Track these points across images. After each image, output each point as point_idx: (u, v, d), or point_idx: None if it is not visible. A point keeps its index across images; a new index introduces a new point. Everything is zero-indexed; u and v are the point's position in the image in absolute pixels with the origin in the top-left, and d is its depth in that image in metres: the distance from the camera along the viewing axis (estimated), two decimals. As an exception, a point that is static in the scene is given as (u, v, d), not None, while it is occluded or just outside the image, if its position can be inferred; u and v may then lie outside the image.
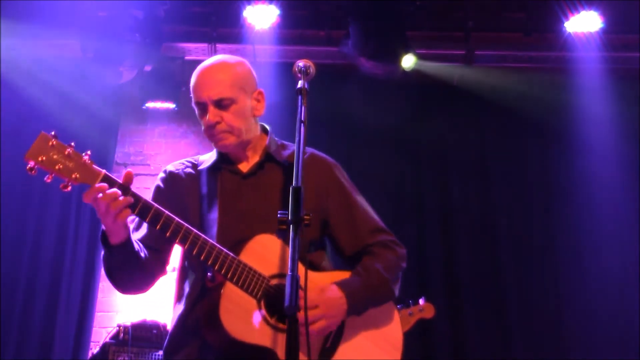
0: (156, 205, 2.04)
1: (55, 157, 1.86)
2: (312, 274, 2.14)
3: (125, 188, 1.99)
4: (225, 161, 2.31)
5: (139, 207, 2.02)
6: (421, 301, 4.15)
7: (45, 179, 1.90)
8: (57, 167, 1.86)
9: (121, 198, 1.95)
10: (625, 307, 5.38)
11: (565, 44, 5.38)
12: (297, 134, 1.87)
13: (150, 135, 6.10)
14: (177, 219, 2.03)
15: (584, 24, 5.21)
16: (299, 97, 2.01)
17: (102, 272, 5.90)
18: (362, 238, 2.35)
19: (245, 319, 2.03)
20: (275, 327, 2.06)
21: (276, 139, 2.41)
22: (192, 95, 2.30)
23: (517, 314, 5.49)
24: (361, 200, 2.42)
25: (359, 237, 2.35)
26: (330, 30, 5.52)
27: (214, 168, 2.31)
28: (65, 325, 5.32)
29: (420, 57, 5.33)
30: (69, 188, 1.90)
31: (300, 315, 1.81)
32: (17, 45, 5.32)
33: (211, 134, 2.24)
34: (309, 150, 2.39)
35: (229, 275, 2.03)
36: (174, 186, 2.32)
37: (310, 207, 2.17)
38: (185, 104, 5.56)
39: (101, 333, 5.41)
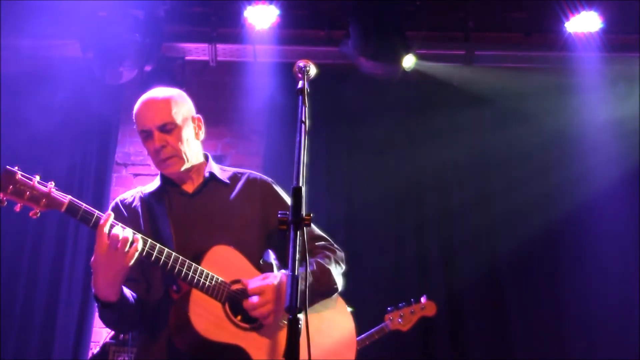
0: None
1: (22, 187, 2.06)
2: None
3: (89, 215, 2.15)
4: (170, 184, 2.48)
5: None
6: (423, 299, 4.15)
7: (14, 207, 2.08)
8: (25, 196, 2.06)
9: (126, 231, 2.11)
10: (625, 307, 5.38)
11: (565, 44, 5.39)
12: (297, 134, 1.88)
13: (39, 213, 6.06)
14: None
15: (584, 24, 5.21)
16: (299, 97, 2.02)
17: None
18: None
19: (214, 320, 2.19)
20: (241, 326, 2.23)
21: (215, 163, 2.60)
22: (135, 125, 2.48)
23: (517, 314, 5.48)
24: None
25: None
26: (330, 30, 5.52)
27: (159, 192, 2.47)
28: (65, 325, 5.31)
29: (420, 57, 5.33)
30: (38, 214, 2.10)
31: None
32: (17, 45, 5.32)
33: (159, 160, 2.40)
34: (246, 171, 2.62)
35: (194, 283, 2.18)
36: (125, 213, 2.45)
37: (254, 218, 2.45)
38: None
39: (101, 333, 5.40)
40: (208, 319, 2.17)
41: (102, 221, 2.09)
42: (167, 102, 2.44)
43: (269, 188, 2.58)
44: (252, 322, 2.26)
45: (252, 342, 2.23)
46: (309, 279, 2.30)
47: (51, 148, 5.71)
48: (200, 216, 2.40)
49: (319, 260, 2.44)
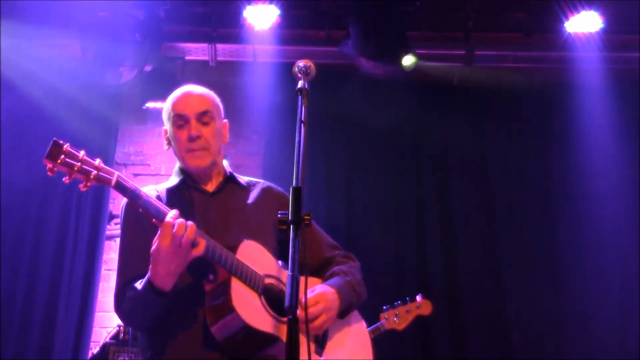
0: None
1: (71, 160, 2.00)
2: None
3: (136, 193, 2.10)
4: (189, 181, 2.44)
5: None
6: (418, 298, 4.14)
7: (63, 179, 2.04)
8: (75, 168, 1.99)
9: (190, 224, 2.06)
10: (625, 307, 5.38)
11: (565, 44, 5.39)
12: (297, 134, 1.87)
13: (150, 135, 6.09)
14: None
15: (584, 24, 5.21)
16: (299, 97, 2.01)
17: (102, 272, 5.92)
18: (321, 253, 2.56)
19: (255, 310, 2.14)
20: (279, 319, 2.18)
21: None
22: (170, 111, 2.42)
23: (517, 314, 5.48)
24: (314, 222, 2.58)
25: (318, 252, 2.55)
26: (330, 30, 5.52)
27: (179, 189, 2.43)
28: (65, 325, 5.31)
29: (420, 57, 5.33)
30: (88, 187, 2.05)
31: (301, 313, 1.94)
32: (17, 45, 5.32)
33: (189, 149, 2.37)
34: (260, 180, 2.64)
35: (236, 271, 2.13)
36: (138, 213, 2.38)
37: (270, 225, 2.41)
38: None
39: (101, 333, 5.41)
40: (250, 307, 2.13)
41: (168, 218, 2.05)
42: (209, 96, 2.49)
43: (284, 198, 2.56)
44: (284, 315, 2.17)
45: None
46: (350, 290, 2.41)
47: (51, 148, 5.70)
48: (220, 216, 2.38)
49: (351, 270, 2.50)
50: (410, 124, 5.79)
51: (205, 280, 2.17)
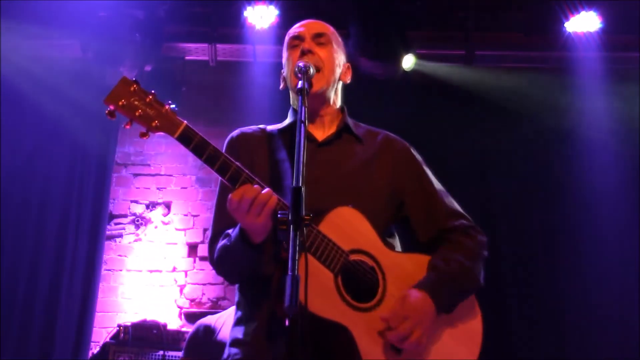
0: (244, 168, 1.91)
1: (136, 102, 1.81)
2: (390, 253, 2.06)
3: (205, 143, 1.87)
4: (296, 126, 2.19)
5: (232, 171, 1.88)
6: None
7: (124, 125, 1.85)
8: (137, 113, 1.81)
9: (264, 191, 1.84)
10: (625, 307, 5.38)
11: (565, 44, 5.39)
12: (297, 134, 1.85)
13: (150, 135, 6.09)
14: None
15: (583, 24, 5.21)
16: (299, 97, 2.00)
17: (102, 272, 5.93)
18: (438, 222, 2.22)
19: (322, 293, 1.90)
20: (351, 304, 1.93)
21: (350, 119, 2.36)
22: (286, 39, 2.29)
23: (517, 314, 5.48)
24: (438, 183, 2.33)
25: (435, 221, 2.22)
26: (330, 30, 5.51)
27: (286, 131, 2.20)
28: (65, 325, 5.31)
29: (420, 57, 5.33)
30: (148, 136, 1.86)
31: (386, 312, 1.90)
32: (17, 45, 5.32)
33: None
34: (383, 131, 2.40)
35: (306, 247, 1.84)
36: (244, 147, 2.19)
37: (384, 186, 2.19)
38: (185, 104, 5.56)
39: (101, 333, 5.41)
40: (317, 290, 1.84)
41: (239, 193, 1.83)
42: (329, 25, 2.33)
43: (407, 153, 2.33)
44: (366, 301, 1.96)
45: (361, 325, 1.92)
46: (448, 284, 2.05)
47: (51, 148, 5.71)
48: (326, 172, 2.10)
49: (457, 257, 2.11)
50: (410, 124, 5.78)
51: (282, 247, 1.91)
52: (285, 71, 2.29)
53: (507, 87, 5.61)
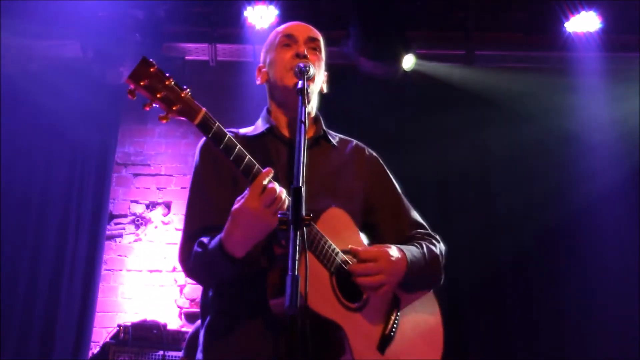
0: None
1: (157, 84, 1.77)
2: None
3: (223, 132, 1.85)
4: (277, 131, 2.22)
5: (245, 163, 1.85)
6: None
7: (144, 106, 1.81)
8: (159, 95, 1.77)
9: (280, 189, 1.82)
10: (625, 307, 5.38)
11: (565, 44, 5.39)
12: (297, 134, 1.85)
13: (150, 135, 6.10)
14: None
15: (583, 24, 5.21)
16: (299, 97, 2.00)
17: (102, 272, 5.93)
18: (404, 231, 2.30)
19: (320, 290, 1.91)
20: (345, 304, 1.97)
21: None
22: (276, 35, 2.28)
23: (517, 314, 5.48)
24: (402, 193, 2.44)
25: (401, 230, 2.30)
26: (330, 30, 5.51)
27: (263, 137, 2.20)
28: (65, 325, 5.31)
29: (420, 57, 5.33)
30: (168, 119, 1.81)
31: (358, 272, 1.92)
32: (17, 45, 5.32)
33: (293, 67, 2.13)
34: (353, 140, 2.46)
35: (311, 245, 1.90)
36: (215, 156, 2.12)
37: (358, 191, 2.25)
38: (185, 104, 5.55)
39: (101, 333, 5.41)
40: (316, 288, 1.86)
41: (262, 178, 1.80)
42: (318, 32, 2.31)
43: (377, 163, 2.40)
44: (353, 302, 2.00)
45: (352, 325, 1.96)
46: (422, 260, 2.12)
47: (51, 148, 5.71)
48: (308, 176, 2.00)
49: (427, 244, 2.22)
50: (410, 124, 5.79)
51: (276, 243, 1.89)
52: (271, 70, 2.25)
53: (507, 87, 5.61)
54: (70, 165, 5.72)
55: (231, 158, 1.84)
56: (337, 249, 2.00)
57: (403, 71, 5.31)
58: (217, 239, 1.89)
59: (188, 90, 1.82)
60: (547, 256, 5.61)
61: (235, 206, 1.83)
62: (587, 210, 5.49)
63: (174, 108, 1.78)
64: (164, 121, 1.82)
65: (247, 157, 1.86)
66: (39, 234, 5.51)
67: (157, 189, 6.04)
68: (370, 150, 2.45)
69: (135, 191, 6.04)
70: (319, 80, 2.27)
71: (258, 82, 2.33)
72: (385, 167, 2.43)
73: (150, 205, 5.99)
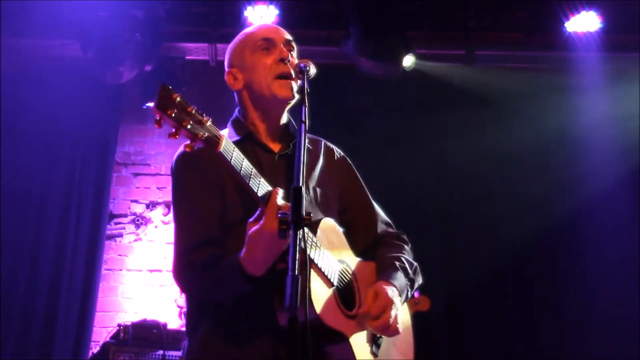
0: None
1: (183, 114, 1.74)
2: (357, 261, 2.18)
3: (241, 157, 1.85)
4: (255, 137, 2.17)
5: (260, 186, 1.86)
6: (416, 294, 4.15)
7: (169, 136, 1.77)
8: (184, 124, 1.73)
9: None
10: (625, 307, 5.38)
11: (565, 44, 5.39)
12: (297, 134, 1.85)
13: (150, 135, 6.10)
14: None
15: (583, 24, 5.21)
16: (300, 97, 2.00)
17: (102, 272, 5.94)
18: (375, 230, 2.35)
19: (326, 302, 1.94)
20: (347, 314, 2.01)
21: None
22: (249, 38, 2.24)
23: (517, 314, 5.49)
24: (368, 193, 2.45)
25: (372, 228, 2.35)
26: (330, 30, 5.52)
27: (242, 144, 2.07)
28: (65, 325, 5.32)
29: (420, 57, 5.33)
30: (194, 148, 1.78)
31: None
32: (17, 45, 5.32)
33: (281, 74, 2.12)
34: (320, 139, 2.41)
35: (312, 256, 1.91)
36: (201, 167, 2.10)
37: (335, 194, 2.25)
38: (185, 104, 5.55)
39: (101, 333, 5.41)
40: (322, 300, 1.91)
41: (275, 198, 1.80)
42: (290, 35, 2.29)
43: (345, 162, 2.40)
44: (349, 310, 2.05)
45: (353, 332, 2.02)
46: (407, 281, 2.18)
47: (51, 147, 5.72)
48: (289, 182, 2.01)
49: (404, 256, 2.26)
50: (410, 124, 5.79)
51: (280, 259, 1.88)
52: (252, 75, 2.18)
53: (507, 87, 5.61)
54: (71, 165, 5.72)
55: (248, 182, 1.83)
56: (335, 259, 2.03)
57: (403, 71, 5.31)
58: (232, 259, 1.88)
59: (209, 119, 1.80)
60: (547, 256, 5.61)
61: (254, 228, 1.82)
62: (587, 210, 5.50)
63: (199, 136, 1.76)
64: (189, 150, 1.79)
65: (261, 180, 1.86)
66: (39, 234, 5.51)
67: (157, 188, 6.04)
68: (338, 150, 2.44)
69: (136, 191, 6.04)
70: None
71: (234, 88, 2.26)
72: (353, 166, 2.43)
73: (150, 205, 5.99)
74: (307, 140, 1.85)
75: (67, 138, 5.75)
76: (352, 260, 2.15)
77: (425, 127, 5.81)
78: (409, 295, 2.26)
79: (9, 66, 5.32)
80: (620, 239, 5.49)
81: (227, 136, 1.98)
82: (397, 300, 2.07)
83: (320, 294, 1.93)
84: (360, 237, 2.29)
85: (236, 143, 2.01)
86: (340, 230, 2.13)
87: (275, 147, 2.20)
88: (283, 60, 2.14)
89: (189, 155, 2.08)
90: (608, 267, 5.43)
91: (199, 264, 1.98)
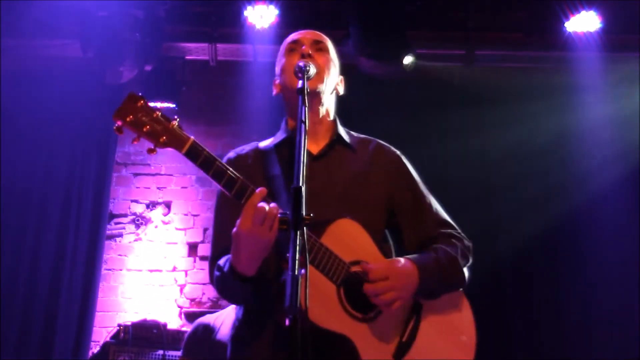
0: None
1: (143, 118, 1.82)
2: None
3: (211, 158, 1.89)
4: (293, 141, 2.20)
5: (237, 186, 1.90)
6: None
7: (132, 140, 1.87)
8: (144, 129, 1.82)
9: (272, 205, 1.84)
10: (625, 307, 5.38)
11: (565, 44, 5.39)
12: (297, 134, 1.85)
13: (157, 151, 6.09)
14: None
15: (583, 24, 5.21)
16: (299, 97, 1.99)
17: (102, 272, 5.95)
18: (426, 231, 2.30)
19: (325, 304, 1.95)
20: (353, 315, 1.99)
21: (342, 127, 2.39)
22: (283, 46, 2.32)
23: (518, 314, 5.49)
24: (427, 191, 2.43)
25: (423, 230, 2.30)
26: (331, 30, 5.50)
27: (280, 147, 2.22)
28: (65, 325, 5.31)
29: (420, 57, 5.33)
30: (156, 152, 1.87)
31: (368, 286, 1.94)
32: (17, 45, 5.32)
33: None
34: (375, 140, 2.46)
35: (311, 258, 1.93)
36: (241, 168, 2.09)
37: (378, 194, 2.24)
38: (185, 104, 5.56)
39: (101, 333, 5.41)
40: (320, 301, 1.91)
41: (249, 199, 1.84)
42: (325, 37, 2.37)
43: (399, 162, 2.40)
44: (365, 313, 2.01)
45: (362, 335, 1.98)
46: (436, 267, 2.12)
47: (51, 147, 5.71)
48: (323, 184, 2.12)
49: (444, 247, 2.21)
50: (410, 124, 5.79)
51: (283, 259, 1.92)
52: (282, 77, 2.28)
53: (507, 87, 5.61)
54: (71, 165, 5.72)
55: (222, 183, 1.89)
56: (345, 261, 2.00)
57: (403, 71, 5.31)
58: (228, 262, 1.95)
59: (176, 120, 1.86)
60: (547, 255, 5.61)
61: (234, 230, 1.87)
62: (587, 210, 5.50)
63: (160, 140, 1.84)
64: (153, 154, 1.89)
65: (240, 180, 1.89)
66: (39, 234, 5.51)
67: (157, 188, 6.04)
68: (392, 149, 2.44)
69: (136, 191, 6.04)
70: (330, 82, 2.28)
71: (274, 94, 2.36)
72: (408, 166, 2.43)
73: (151, 205, 5.99)
74: (306, 141, 1.84)
75: (67, 138, 5.74)
76: (375, 261, 2.08)
77: (425, 127, 5.80)
78: (438, 288, 2.15)
79: (9, 66, 5.32)
80: (620, 239, 5.49)
81: (272, 140, 2.18)
82: (410, 281, 2.03)
83: (320, 294, 1.93)
84: (410, 239, 2.27)
85: (277, 145, 2.17)
86: (362, 230, 2.08)
87: (315, 148, 2.24)
88: (303, 56, 2.19)
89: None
90: (608, 266, 5.43)
91: (216, 270, 2.06)
